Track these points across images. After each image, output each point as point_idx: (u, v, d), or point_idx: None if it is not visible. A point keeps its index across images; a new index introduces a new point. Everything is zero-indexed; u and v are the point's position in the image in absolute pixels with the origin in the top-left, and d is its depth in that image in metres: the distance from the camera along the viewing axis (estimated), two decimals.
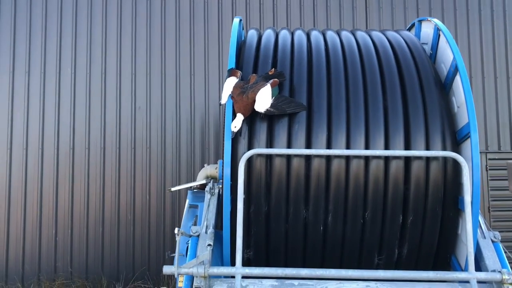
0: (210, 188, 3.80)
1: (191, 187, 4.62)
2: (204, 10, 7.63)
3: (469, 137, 3.38)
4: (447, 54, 3.82)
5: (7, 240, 7.12)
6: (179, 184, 6.51)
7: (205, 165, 4.77)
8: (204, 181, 4.39)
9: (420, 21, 4.52)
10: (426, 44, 4.28)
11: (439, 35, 4.02)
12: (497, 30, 7.96)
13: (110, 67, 7.48)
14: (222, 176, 3.88)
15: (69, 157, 7.27)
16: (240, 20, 4.38)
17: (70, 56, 7.45)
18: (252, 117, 3.46)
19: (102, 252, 7.20)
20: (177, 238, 3.09)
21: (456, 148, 3.54)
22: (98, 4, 7.57)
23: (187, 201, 4.52)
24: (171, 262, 4.27)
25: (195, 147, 7.42)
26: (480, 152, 7.56)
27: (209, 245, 3.15)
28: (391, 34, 4.20)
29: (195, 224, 4.05)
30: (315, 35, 4.14)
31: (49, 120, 7.32)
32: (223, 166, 3.46)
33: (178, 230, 3.07)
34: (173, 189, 4.71)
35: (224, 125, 3.49)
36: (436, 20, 4.08)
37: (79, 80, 7.43)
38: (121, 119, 7.40)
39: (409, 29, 4.74)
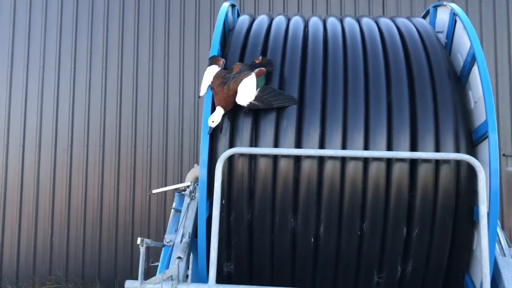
0: (190, 191, 3.40)
1: (177, 188, 4.21)
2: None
3: (486, 137, 2.88)
4: (464, 42, 3.32)
5: (2, 241, 6.87)
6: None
7: (195, 165, 4.36)
8: (189, 183, 3.98)
9: (435, 7, 4.02)
10: (442, 32, 3.78)
11: (455, 21, 3.52)
12: None
13: (111, 62, 7.16)
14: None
15: (67, 155, 6.97)
16: (233, 5, 3.96)
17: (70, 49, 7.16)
18: (234, 111, 3.04)
19: (99, 254, 6.88)
20: (141, 249, 2.69)
21: (472, 150, 3.04)
22: None
23: (174, 204, 4.12)
24: (154, 273, 3.88)
25: (197, 146, 7.03)
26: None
27: (179, 257, 2.73)
28: (401, 21, 3.72)
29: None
30: (314, 21, 3.69)
31: (47, 117, 7.03)
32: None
33: (142, 241, 2.67)
34: (154, 191, 4.31)
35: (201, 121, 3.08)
36: (452, 5, 3.58)
37: (79, 74, 7.13)
38: (121, 117, 7.07)
39: (424, 17, 4.25)
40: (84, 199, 6.92)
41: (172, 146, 7.07)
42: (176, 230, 3.74)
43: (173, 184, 6.69)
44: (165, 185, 7.02)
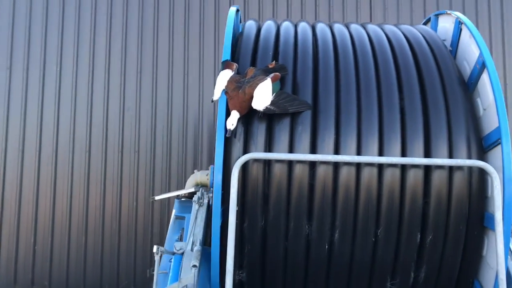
0: (198, 197, 3.33)
1: (178, 195, 4.13)
2: (200, 4, 7.17)
3: (498, 144, 2.93)
4: (471, 50, 3.37)
5: None
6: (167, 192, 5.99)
7: (195, 171, 4.30)
8: (192, 189, 3.91)
9: (437, 16, 4.08)
10: (445, 40, 3.83)
11: (461, 29, 3.57)
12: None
13: (98, 64, 6.99)
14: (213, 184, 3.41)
15: (52, 160, 6.75)
16: (238, 10, 3.92)
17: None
18: (248, 116, 2.99)
19: (84, 263, 6.67)
20: (156, 258, 2.61)
21: (482, 156, 3.08)
22: None
23: (174, 211, 4.03)
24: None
25: (186, 152, 6.92)
26: None
27: (194, 266, 2.66)
28: (406, 28, 3.76)
29: (181, 239, 3.55)
30: (321, 27, 3.69)
31: (31, 120, 6.80)
32: (214, 173, 2.98)
33: (158, 249, 2.59)
34: (157, 197, 4.23)
35: (215, 125, 3.02)
36: (457, 13, 3.63)
37: (65, 77, 6.93)
38: (108, 120, 6.90)
39: (425, 25, 4.30)
40: (69, 205, 6.70)
41: (160, 151, 6.92)
42: (178, 238, 3.67)
43: (162, 188, 6.59)
44: (153, 191, 6.88)
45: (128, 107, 6.96)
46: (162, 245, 6.66)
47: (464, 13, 7.47)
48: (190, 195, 4.26)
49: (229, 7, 7.09)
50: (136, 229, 6.78)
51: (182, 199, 4.16)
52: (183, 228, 3.67)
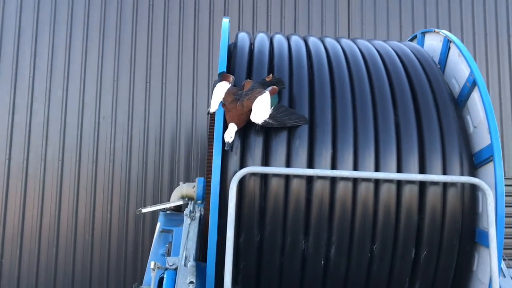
0: (190, 211, 3.24)
1: (164, 208, 4.03)
2: (179, 11, 7.09)
3: (490, 161, 2.99)
4: (460, 68, 3.44)
5: None
6: (150, 205, 5.84)
7: (181, 183, 4.20)
8: (180, 202, 3.81)
9: (423, 33, 4.16)
10: (433, 57, 3.90)
11: (449, 47, 3.65)
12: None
13: (73, 71, 6.80)
14: (203, 197, 3.34)
15: (22, 168, 6.49)
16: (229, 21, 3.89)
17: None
18: (245, 129, 2.94)
19: (54, 276, 6.41)
20: (153, 274, 2.52)
21: (474, 173, 3.13)
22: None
23: (159, 224, 3.92)
24: None
25: (163, 163, 6.79)
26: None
27: (191, 282, 2.58)
28: (395, 44, 3.81)
29: (168, 253, 3.45)
30: (314, 41, 3.69)
31: (1, 127, 6.53)
32: (208, 185, 2.92)
33: (155, 264, 2.50)
34: (144, 210, 4.11)
35: (208, 138, 2.96)
36: (446, 32, 3.71)
37: (39, 84, 6.70)
38: (83, 128, 6.70)
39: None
40: (40, 216, 6.45)
41: (136, 161, 6.77)
42: (165, 252, 3.57)
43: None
44: (128, 203, 6.71)
45: (104, 116, 6.79)
46: (138, 257, 6.49)
47: (438, 27, 7.70)
48: (175, 208, 4.17)
49: (209, 17, 7.14)
50: (109, 242, 6.59)
51: (167, 211, 4.05)
52: (170, 242, 3.57)
